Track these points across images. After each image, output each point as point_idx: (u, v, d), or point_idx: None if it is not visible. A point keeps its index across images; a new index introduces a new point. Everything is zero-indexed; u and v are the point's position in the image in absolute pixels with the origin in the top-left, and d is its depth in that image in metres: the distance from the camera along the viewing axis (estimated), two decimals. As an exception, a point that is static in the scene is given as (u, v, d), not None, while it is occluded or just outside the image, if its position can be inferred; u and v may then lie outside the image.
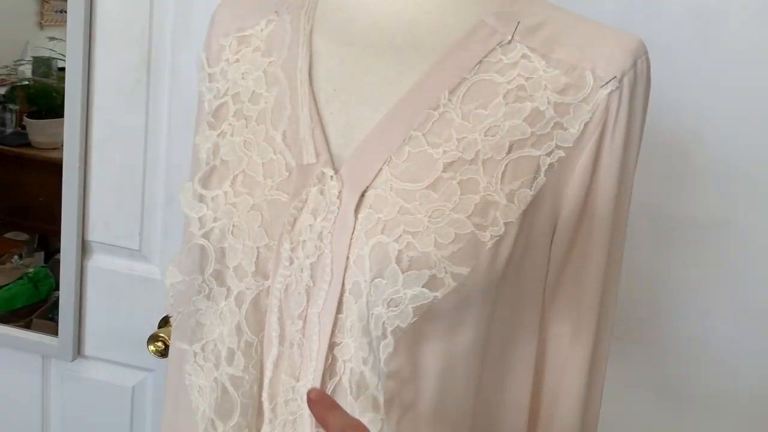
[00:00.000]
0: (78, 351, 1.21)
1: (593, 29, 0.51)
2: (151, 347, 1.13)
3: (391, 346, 0.46)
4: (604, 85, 0.48)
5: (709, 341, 1.03)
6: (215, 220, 0.52)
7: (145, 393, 1.24)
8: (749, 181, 0.96)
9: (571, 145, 0.48)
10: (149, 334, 1.17)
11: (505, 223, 0.47)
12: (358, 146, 0.50)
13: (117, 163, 1.13)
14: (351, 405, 0.50)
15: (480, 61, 0.50)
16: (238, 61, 0.57)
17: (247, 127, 0.53)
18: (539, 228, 0.51)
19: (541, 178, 0.48)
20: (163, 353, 1.14)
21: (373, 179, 0.48)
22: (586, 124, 0.48)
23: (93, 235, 1.16)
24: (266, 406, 0.52)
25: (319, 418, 0.40)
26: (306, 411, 0.51)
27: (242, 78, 0.56)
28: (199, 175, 0.53)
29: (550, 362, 0.56)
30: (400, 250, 0.46)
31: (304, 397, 0.50)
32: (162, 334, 1.14)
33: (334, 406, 0.41)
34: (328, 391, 0.51)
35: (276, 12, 0.57)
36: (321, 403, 0.41)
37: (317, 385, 0.50)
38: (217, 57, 0.59)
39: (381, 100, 0.50)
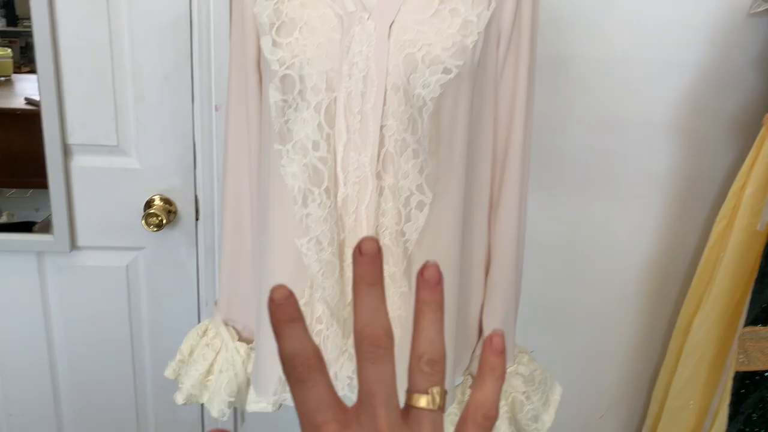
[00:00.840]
0: (73, 244, 1.39)
1: None
2: (149, 221, 1.35)
3: (431, 109, 0.77)
4: None
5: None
6: (294, 56, 0.79)
7: (138, 269, 1.45)
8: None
9: None
10: (137, 217, 1.38)
11: (477, 33, 0.80)
12: None
13: (86, 70, 1.29)
14: (397, 162, 0.81)
15: None
16: None
17: (301, 4, 0.80)
18: (492, 36, 0.84)
19: (493, 4, 0.81)
20: (159, 225, 1.36)
21: (396, 15, 0.78)
22: None
23: (73, 138, 1.33)
24: (340, 175, 0.82)
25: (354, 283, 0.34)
26: (369, 173, 0.81)
27: None
28: (273, 29, 0.80)
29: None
30: (422, 56, 0.77)
31: (366, 165, 0.81)
32: (155, 211, 1.36)
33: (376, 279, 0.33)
34: (380, 158, 0.81)
35: None
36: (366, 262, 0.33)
37: (374, 154, 0.80)
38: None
39: None
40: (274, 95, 0.80)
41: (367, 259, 0.33)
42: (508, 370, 1.00)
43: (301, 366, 0.32)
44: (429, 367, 0.33)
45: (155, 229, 1.36)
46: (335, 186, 0.83)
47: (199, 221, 1.43)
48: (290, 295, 0.32)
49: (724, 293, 1.42)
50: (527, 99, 0.90)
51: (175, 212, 1.41)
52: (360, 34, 0.78)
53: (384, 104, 0.79)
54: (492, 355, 0.35)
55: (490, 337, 0.35)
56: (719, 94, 1.45)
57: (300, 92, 0.80)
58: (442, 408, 0.33)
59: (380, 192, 0.83)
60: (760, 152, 1.36)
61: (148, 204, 1.39)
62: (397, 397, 0.33)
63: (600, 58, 1.40)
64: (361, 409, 0.33)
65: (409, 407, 0.33)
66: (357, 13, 0.78)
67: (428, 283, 0.34)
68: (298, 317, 0.32)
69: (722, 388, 1.46)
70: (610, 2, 1.36)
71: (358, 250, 0.33)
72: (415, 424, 0.33)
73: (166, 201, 1.40)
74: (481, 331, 0.99)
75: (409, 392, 0.33)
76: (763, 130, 1.36)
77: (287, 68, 0.79)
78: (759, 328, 1.19)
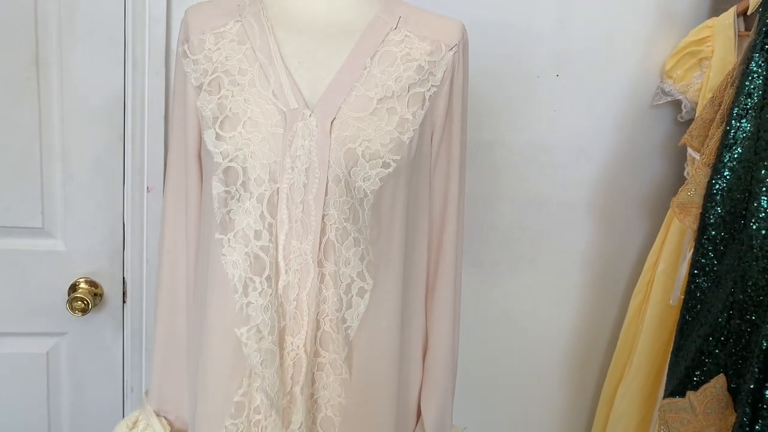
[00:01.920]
0: (-12, 330, 1.32)
1: (437, 18, 0.90)
2: (74, 306, 1.30)
3: (371, 200, 0.81)
4: (450, 49, 0.88)
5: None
6: (237, 149, 0.81)
7: (60, 355, 1.39)
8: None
9: (438, 84, 0.87)
10: (60, 301, 1.33)
11: (413, 130, 0.85)
12: (322, 95, 0.83)
13: (13, 151, 1.26)
14: (338, 250, 0.83)
15: (383, 40, 0.86)
16: (219, 49, 0.86)
17: (243, 91, 0.83)
18: (426, 130, 0.89)
19: (426, 104, 0.86)
20: (85, 310, 1.32)
21: (337, 112, 0.82)
22: (444, 71, 0.88)
23: (-6, 221, 1.28)
24: (282, 263, 0.84)
25: None
26: (310, 261, 0.83)
27: (227, 60, 0.85)
28: (217, 124, 0.82)
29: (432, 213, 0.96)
30: (362, 151, 0.81)
31: (308, 253, 0.83)
32: (80, 295, 1.32)
33: None
34: (321, 246, 0.83)
35: (240, 15, 0.87)
36: None
37: (316, 243, 0.82)
38: (198, 48, 0.87)
39: (330, 66, 0.83)
40: (216, 187, 0.81)
41: None
42: (446, 452, 1.01)
43: None
44: None
45: (80, 314, 1.32)
46: (276, 274, 0.84)
47: (126, 304, 1.39)
48: None
49: (644, 365, 1.49)
50: (459, 186, 0.95)
51: (101, 295, 1.37)
52: (303, 130, 0.81)
53: (326, 195, 0.82)
54: None
55: None
56: (629, 177, 1.56)
57: (243, 183, 0.82)
58: None
59: (321, 279, 0.85)
60: (668, 231, 1.46)
61: (73, 287, 1.35)
62: None
63: (524, 143, 1.49)
64: None
65: None
66: (299, 110, 0.82)
67: None
68: None
69: (646, 458, 1.51)
70: (531, 93, 1.47)
71: None
72: None
73: (92, 284, 1.36)
74: (419, 413, 1.00)
75: None
76: (669, 212, 1.47)
77: (231, 161, 0.81)
78: (677, 400, 1.25)
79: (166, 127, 1.30)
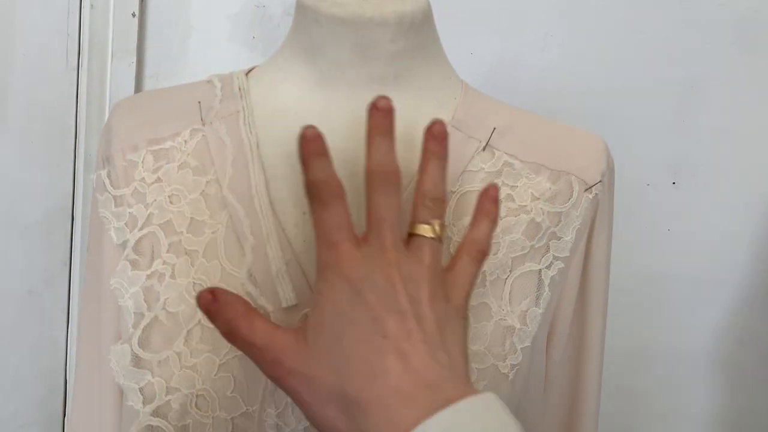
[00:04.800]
0: None
1: (562, 131, 0.50)
2: None
3: None
4: (588, 189, 0.47)
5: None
6: (169, 391, 0.41)
7: None
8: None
9: (568, 254, 0.46)
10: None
11: (521, 349, 0.43)
12: None
13: None
14: None
15: (463, 171, 0.46)
16: (159, 180, 0.46)
17: (193, 266, 0.43)
18: (542, 335, 0.48)
19: (546, 293, 0.45)
20: None
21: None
22: (577, 230, 0.47)
23: None
24: None
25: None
26: None
27: (170, 202, 0.46)
28: (137, 332, 0.42)
29: None
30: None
31: None
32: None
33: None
34: None
35: (202, 120, 0.48)
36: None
37: None
38: (125, 176, 0.48)
39: (363, 225, 0.43)
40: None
41: (382, 113, 0.39)
42: None
43: (326, 191, 0.37)
44: (432, 203, 0.38)
45: None
46: None
47: (66, 491, 0.99)
48: (319, 135, 0.37)
49: None
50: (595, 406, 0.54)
51: (29, 481, 0.97)
52: None
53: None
54: (488, 201, 0.40)
55: (486, 189, 0.41)
56: (765, 320, 1.15)
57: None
58: (440, 238, 0.38)
59: None
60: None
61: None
62: (400, 226, 0.37)
63: (629, 270, 1.09)
64: (371, 232, 0.37)
65: (412, 235, 0.38)
66: (300, 308, 0.42)
67: (435, 136, 0.40)
68: (324, 152, 0.37)
69: None
70: (638, 206, 1.07)
71: (374, 106, 0.39)
72: (417, 248, 0.37)
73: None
74: None
75: (413, 223, 0.38)
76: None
77: (155, 413, 0.40)
78: None
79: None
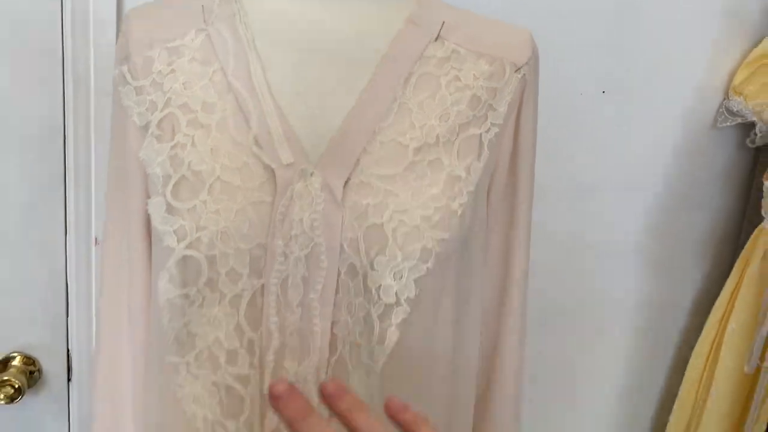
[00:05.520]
0: None
1: (497, 26, 0.62)
2: (2, 392, 1.02)
3: (406, 313, 0.53)
4: (517, 70, 0.60)
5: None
6: (198, 229, 0.52)
7: (-15, 451, 1.10)
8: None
9: (501, 122, 0.59)
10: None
11: (468, 192, 0.56)
12: (331, 142, 0.55)
13: None
14: (349, 375, 0.55)
15: (420, 56, 0.58)
16: (173, 71, 0.57)
17: (209, 136, 0.55)
18: (482, 189, 0.61)
19: (485, 152, 0.58)
20: (13, 398, 1.04)
21: (353, 169, 0.54)
22: (509, 103, 0.60)
23: None
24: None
25: (345, 418, 0.35)
26: (313, 393, 0.55)
27: (184, 88, 0.56)
28: (168, 188, 0.53)
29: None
30: (393, 229, 0.53)
31: (309, 379, 0.54)
32: (10, 378, 1.03)
33: (360, 406, 0.35)
34: (328, 369, 0.55)
35: (205, 20, 0.58)
36: (343, 399, 0.35)
37: (322, 363, 0.55)
38: (143, 69, 0.58)
39: (342, 100, 0.55)
40: (167, 290, 0.52)
41: (285, 397, 0.34)
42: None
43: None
44: None
45: (7, 402, 1.03)
46: (261, 416, 0.56)
47: (71, 383, 1.11)
48: (292, 389, 0.34)
49: (711, 444, 1.23)
50: (524, 258, 0.68)
51: (38, 374, 1.08)
52: (301, 196, 0.53)
53: (336, 293, 0.54)
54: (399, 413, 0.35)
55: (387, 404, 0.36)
56: (685, 215, 1.31)
57: (209, 282, 0.53)
58: None
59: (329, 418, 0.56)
60: (740, 282, 1.20)
61: (2, 365, 1.06)
62: None
63: (563, 175, 1.23)
64: None
65: None
66: (297, 165, 0.54)
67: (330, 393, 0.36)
68: (309, 410, 0.34)
69: None
70: (571, 114, 1.20)
71: (272, 398, 0.34)
72: None
73: (27, 360, 1.07)
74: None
75: None
76: (741, 257, 1.21)
77: (189, 246, 0.52)
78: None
79: (118, 163, 1.02)
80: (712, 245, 1.33)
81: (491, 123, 0.59)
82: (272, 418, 0.55)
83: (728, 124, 1.24)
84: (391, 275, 0.52)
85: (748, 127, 1.24)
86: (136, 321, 0.62)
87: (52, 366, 1.09)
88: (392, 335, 0.53)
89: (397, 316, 0.53)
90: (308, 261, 0.54)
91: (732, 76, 1.23)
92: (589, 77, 1.20)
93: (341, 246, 0.53)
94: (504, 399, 0.69)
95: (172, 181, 0.54)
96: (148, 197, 0.57)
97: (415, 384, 0.58)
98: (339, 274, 0.54)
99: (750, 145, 1.25)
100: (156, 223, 0.53)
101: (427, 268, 0.53)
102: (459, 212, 0.56)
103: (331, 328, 0.55)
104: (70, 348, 1.09)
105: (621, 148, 1.24)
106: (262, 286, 0.54)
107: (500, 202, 0.64)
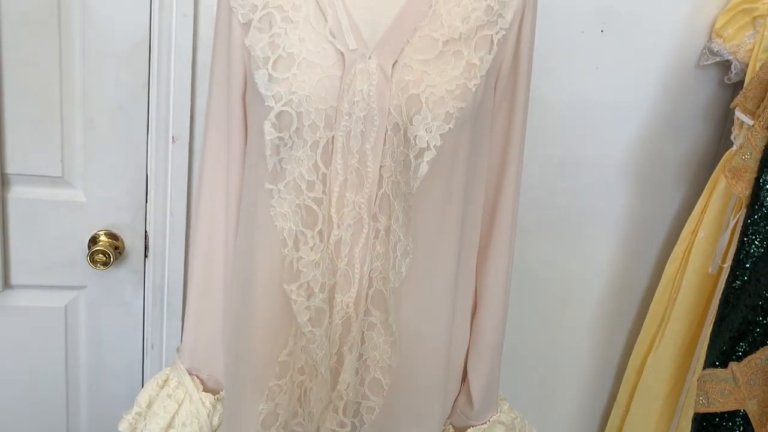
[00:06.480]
0: (6, 282, 1.27)
1: None
2: (95, 259, 1.25)
3: (433, 154, 0.75)
4: None
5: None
6: (292, 92, 0.74)
7: (78, 309, 1.34)
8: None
9: (508, 26, 0.80)
10: (79, 253, 1.28)
11: (480, 76, 0.78)
12: (383, 35, 0.76)
13: (32, 94, 1.19)
14: (392, 205, 0.78)
15: None
16: None
17: (297, 29, 0.76)
18: (491, 78, 0.82)
19: (495, 48, 0.80)
20: (106, 264, 1.27)
21: (399, 55, 0.75)
22: (514, 13, 0.81)
23: (12, 168, 1.22)
24: (334, 217, 0.78)
25: None
26: (365, 215, 0.77)
27: None
28: (269, 64, 0.75)
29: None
30: (426, 98, 0.74)
31: (363, 206, 0.77)
32: (101, 248, 1.26)
33: None
34: (377, 199, 0.78)
35: None
36: None
37: (372, 194, 0.77)
38: (244, -20, 0.80)
39: (392, 4, 0.76)
40: (270, 132, 0.75)
41: None
42: (492, 419, 0.97)
43: None
44: None
45: (102, 267, 1.26)
46: (329, 228, 0.79)
47: (148, 259, 1.34)
48: None
49: (677, 334, 1.45)
50: (520, 143, 0.89)
51: (122, 249, 1.32)
52: (362, 73, 0.75)
53: (384, 144, 0.76)
54: None
55: None
56: (669, 140, 1.50)
57: (296, 130, 0.75)
58: None
59: (376, 235, 0.79)
60: (710, 198, 1.41)
61: (93, 240, 1.29)
62: None
63: (562, 100, 1.42)
64: None
65: None
66: (359, 51, 0.75)
67: None
68: None
69: (674, 429, 1.48)
70: (573, 49, 1.39)
71: None
72: None
73: (113, 236, 1.30)
74: (464, 377, 0.96)
75: None
76: (711, 178, 1.41)
77: (284, 105, 0.75)
78: (718, 371, 1.22)
79: (193, 75, 1.23)
80: (691, 168, 1.53)
81: (500, 27, 0.80)
82: (336, 232, 0.78)
83: (709, 62, 1.43)
84: (424, 129, 0.74)
85: (728, 66, 1.43)
86: (235, 161, 0.85)
87: (132, 243, 1.32)
88: (423, 168, 0.75)
89: (428, 156, 0.75)
90: (365, 120, 0.75)
91: (715, 20, 1.41)
92: (589, 16, 1.38)
93: (389, 109, 0.75)
94: (498, 250, 0.91)
95: (272, 60, 0.75)
96: (246, 76, 0.79)
97: (438, 207, 0.80)
98: (386, 131, 0.76)
99: (727, 82, 1.45)
100: (260, 88, 0.75)
101: (449, 128, 0.75)
102: (473, 89, 0.78)
103: (380, 170, 0.77)
104: (147, 230, 1.32)
105: (615, 79, 1.43)
106: (333, 136, 0.76)
107: (504, 87, 0.85)
